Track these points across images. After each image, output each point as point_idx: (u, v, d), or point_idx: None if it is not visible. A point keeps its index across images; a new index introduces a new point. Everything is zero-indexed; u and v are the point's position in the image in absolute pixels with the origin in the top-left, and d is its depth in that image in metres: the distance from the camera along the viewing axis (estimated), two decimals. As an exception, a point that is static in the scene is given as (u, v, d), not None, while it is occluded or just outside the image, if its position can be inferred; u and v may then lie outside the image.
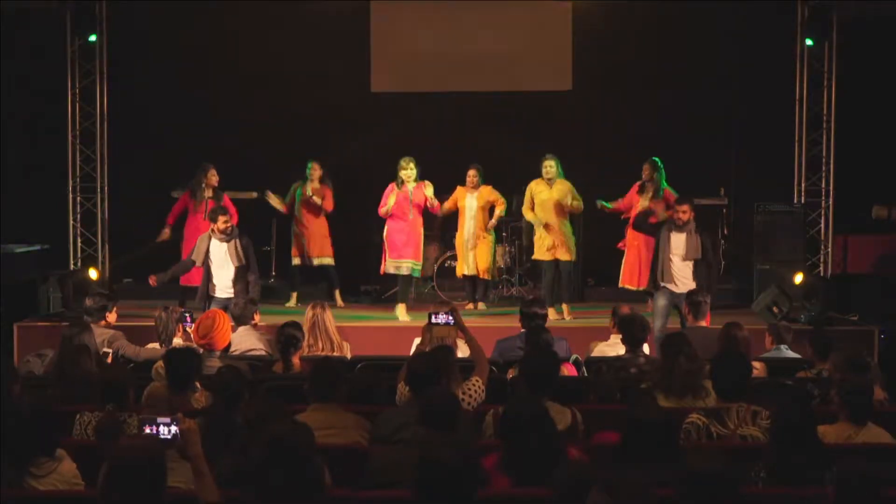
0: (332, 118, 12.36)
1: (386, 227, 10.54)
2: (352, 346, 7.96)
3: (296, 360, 7.08)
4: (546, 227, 10.39)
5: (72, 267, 11.82)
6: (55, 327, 9.63)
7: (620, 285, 10.69)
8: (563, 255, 10.49)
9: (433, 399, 4.77)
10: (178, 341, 7.59)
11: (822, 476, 4.22)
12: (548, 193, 10.43)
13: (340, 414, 5.26)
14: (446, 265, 11.47)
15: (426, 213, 10.54)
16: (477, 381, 5.80)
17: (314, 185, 10.94)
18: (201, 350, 6.72)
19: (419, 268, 10.56)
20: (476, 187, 10.79)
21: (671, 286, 9.23)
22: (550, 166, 10.45)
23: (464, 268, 10.94)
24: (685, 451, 4.37)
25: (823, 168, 11.88)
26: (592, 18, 12.21)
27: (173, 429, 3.85)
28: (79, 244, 12.10)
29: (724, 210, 12.12)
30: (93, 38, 11.77)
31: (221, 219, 9.46)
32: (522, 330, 7.48)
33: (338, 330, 7.74)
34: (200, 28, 12.11)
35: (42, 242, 11.69)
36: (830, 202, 11.88)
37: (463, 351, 6.83)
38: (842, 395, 5.24)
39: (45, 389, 6.26)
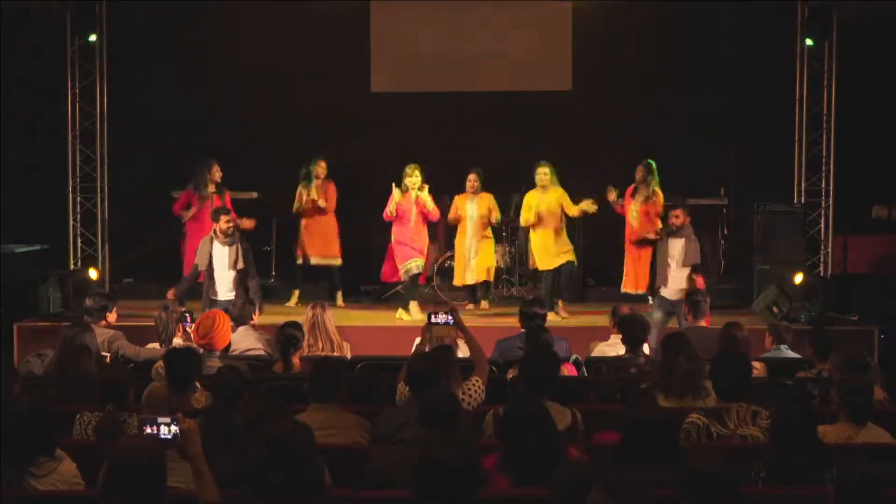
0: (332, 118, 12.36)
1: (392, 234, 10.54)
2: (352, 346, 7.96)
3: (296, 360, 7.08)
4: (546, 231, 10.41)
5: (72, 267, 11.82)
6: (55, 327, 9.63)
7: (623, 290, 10.67)
8: (566, 258, 10.51)
9: (433, 399, 4.77)
10: (178, 341, 7.59)
11: (822, 476, 4.23)
12: (545, 203, 10.43)
13: (340, 414, 5.26)
14: (446, 265, 11.46)
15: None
16: (477, 381, 5.80)
17: (318, 182, 10.93)
18: (201, 350, 6.72)
19: (422, 262, 10.57)
20: (476, 192, 10.74)
21: (668, 293, 9.24)
22: (545, 173, 10.44)
23: (465, 277, 10.86)
24: (685, 451, 4.37)
25: (823, 168, 11.88)
26: (592, 18, 12.21)
27: (173, 429, 3.85)
28: (79, 244, 12.10)
29: (724, 210, 12.13)
30: (93, 38, 11.77)
31: (224, 218, 9.45)
32: (522, 330, 7.49)
33: (338, 330, 7.74)
34: (200, 28, 12.10)
35: (42, 242, 11.68)
36: (830, 202, 11.88)
37: (463, 351, 6.83)
38: (842, 395, 5.24)
39: (45, 389, 6.26)
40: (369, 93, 12.48)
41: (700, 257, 9.20)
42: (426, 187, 10.41)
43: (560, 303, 10.52)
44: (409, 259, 10.46)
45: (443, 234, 11.55)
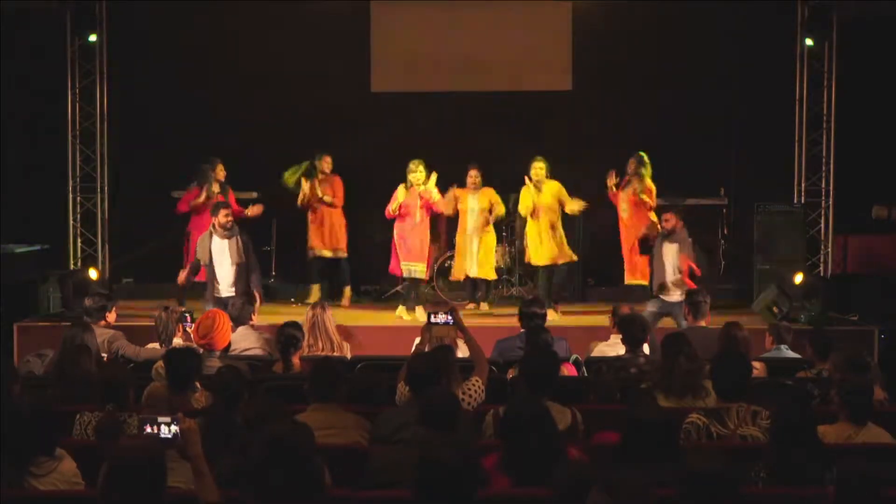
0: (332, 118, 12.35)
1: (395, 230, 10.54)
2: (352, 346, 7.96)
3: (296, 360, 7.08)
4: (542, 227, 10.42)
5: (72, 267, 11.83)
6: (55, 327, 9.63)
7: (626, 283, 10.67)
8: (562, 258, 10.52)
9: (433, 399, 4.77)
10: (178, 341, 7.59)
11: (822, 476, 4.23)
12: (540, 197, 10.44)
13: (340, 414, 5.26)
14: (446, 265, 11.46)
15: (433, 214, 10.58)
16: (477, 381, 5.80)
17: (322, 177, 10.93)
18: (201, 350, 6.73)
19: (423, 267, 10.57)
20: (478, 189, 10.76)
21: (665, 296, 9.26)
22: (541, 168, 10.46)
23: (465, 268, 10.87)
24: (685, 451, 4.37)
25: (823, 168, 11.89)
26: (592, 18, 12.21)
27: (173, 429, 3.85)
28: (79, 244, 12.11)
29: (724, 210, 12.13)
30: (93, 38, 11.78)
31: (223, 212, 9.46)
32: (522, 330, 7.49)
33: (338, 330, 7.74)
34: (200, 28, 12.11)
35: (42, 242, 11.68)
36: (830, 202, 11.89)
37: (462, 351, 6.83)
38: (842, 395, 5.24)
39: (45, 389, 6.25)
40: (369, 93, 12.48)
41: (699, 271, 9.21)
42: (434, 177, 10.40)
43: (556, 305, 10.49)
44: (411, 261, 10.45)
45: (444, 232, 11.56)
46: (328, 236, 11.13)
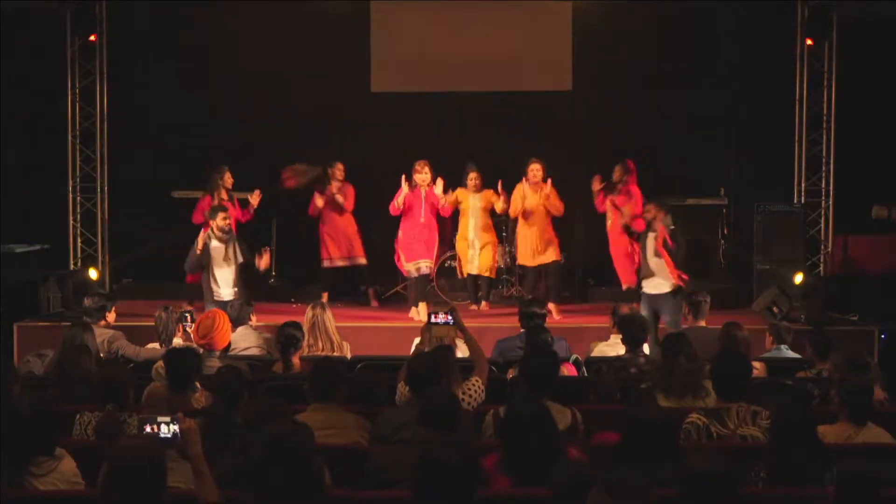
0: (332, 118, 12.36)
1: (399, 231, 10.54)
2: (352, 346, 7.96)
3: (296, 360, 7.08)
4: (533, 228, 10.44)
5: (72, 267, 11.82)
6: (55, 327, 9.64)
7: (623, 289, 10.69)
8: (550, 257, 10.55)
9: (433, 399, 4.77)
10: (178, 341, 7.60)
11: (822, 476, 4.23)
12: (535, 198, 10.45)
13: (340, 414, 5.26)
14: (446, 265, 11.46)
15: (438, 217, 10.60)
16: (477, 381, 5.80)
17: (336, 184, 10.93)
18: (201, 350, 6.73)
19: (430, 263, 10.58)
20: (479, 191, 10.77)
21: (648, 287, 9.27)
22: (538, 169, 10.47)
23: (467, 267, 10.91)
24: (685, 451, 4.37)
25: (823, 168, 11.88)
26: (592, 18, 12.20)
27: (173, 428, 3.85)
28: (79, 244, 12.10)
29: (724, 210, 12.13)
30: (93, 38, 11.76)
31: (221, 215, 9.47)
32: (522, 330, 7.49)
33: (338, 330, 7.74)
34: (200, 28, 12.10)
35: (42, 242, 11.67)
36: (830, 202, 11.88)
37: (462, 351, 6.83)
38: (842, 395, 5.25)
39: (45, 389, 6.26)
40: (369, 93, 12.47)
41: (674, 245, 9.15)
42: (440, 183, 10.39)
43: (554, 307, 10.48)
44: (418, 259, 10.45)
45: (449, 233, 11.57)
46: (345, 245, 11.10)
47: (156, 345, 7.77)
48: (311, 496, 3.73)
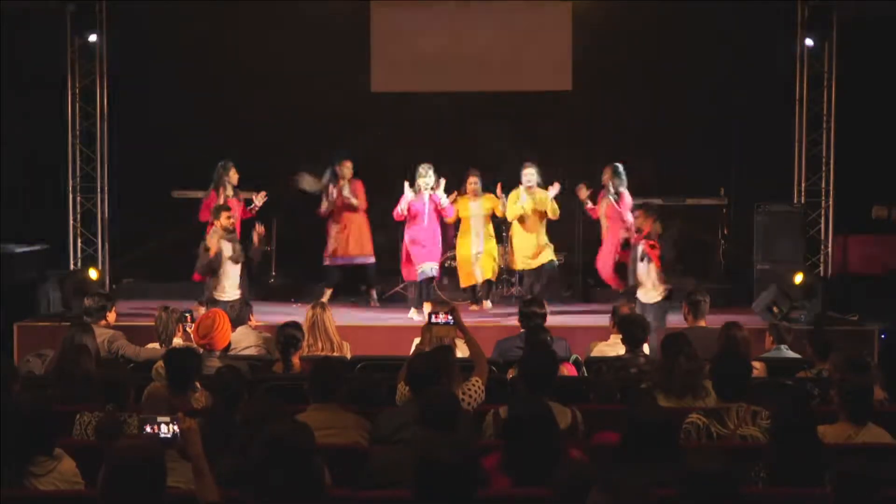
0: (332, 118, 12.36)
1: (406, 235, 10.52)
2: (352, 346, 7.96)
3: (296, 360, 7.08)
4: (528, 233, 10.43)
5: (72, 267, 11.82)
6: (55, 327, 9.64)
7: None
8: (545, 258, 10.54)
9: (433, 399, 4.77)
10: (178, 341, 7.60)
11: (822, 476, 4.23)
12: (530, 202, 10.44)
13: (340, 414, 5.26)
14: (447, 265, 11.46)
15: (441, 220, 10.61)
16: (477, 381, 5.80)
17: (344, 182, 10.92)
18: (201, 350, 6.73)
19: (436, 265, 10.58)
20: (478, 195, 10.76)
21: (641, 294, 9.25)
22: (532, 174, 10.46)
23: (469, 279, 10.88)
24: (685, 451, 4.37)
25: (823, 168, 11.88)
26: (592, 18, 12.20)
27: (173, 428, 3.85)
28: (79, 244, 12.10)
29: (724, 210, 12.13)
30: (93, 38, 11.77)
31: (224, 215, 9.48)
32: (522, 330, 7.49)
33: (338, 330, 7.74)
34: (201, 28, 12.10)
35: (42, 242, 11.68)
36: (830, 202, 11.88)
37: (462, 351, 6.83)
38: (842, 395, 5.24)
39: (45, 389, 6.25)
40: (369, 93, 12.48)
41: (659, 252, 9.14)
42: (442, 184, 10.39)
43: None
44: (425, 261, 10.44)
45: (451, 235, 11.57)
46: (354, 242, 11.09)
47: (156, 345, 7.77)
48: (311, 496, 3.73)
